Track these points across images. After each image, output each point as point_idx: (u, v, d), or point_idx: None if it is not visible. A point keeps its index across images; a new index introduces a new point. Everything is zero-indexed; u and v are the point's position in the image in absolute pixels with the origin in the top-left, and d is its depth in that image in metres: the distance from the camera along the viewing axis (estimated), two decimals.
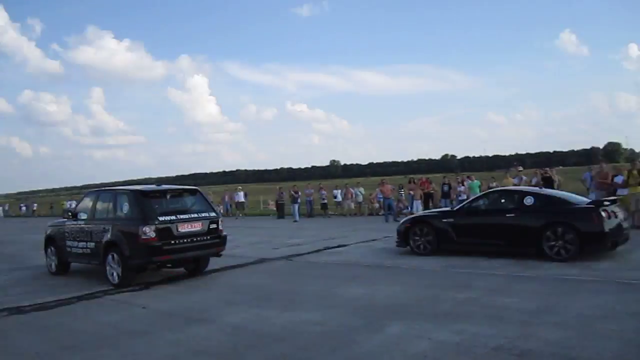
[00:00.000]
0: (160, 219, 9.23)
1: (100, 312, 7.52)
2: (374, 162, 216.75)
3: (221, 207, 33.42)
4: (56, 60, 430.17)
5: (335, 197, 27.52)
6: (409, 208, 23.57)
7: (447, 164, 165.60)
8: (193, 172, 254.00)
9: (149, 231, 9.02)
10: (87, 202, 10.85)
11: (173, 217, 9.39)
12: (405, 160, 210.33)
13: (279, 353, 5.26)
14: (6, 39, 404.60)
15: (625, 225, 10.14)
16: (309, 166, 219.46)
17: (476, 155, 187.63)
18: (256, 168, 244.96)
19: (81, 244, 10.43)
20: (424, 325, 5.84)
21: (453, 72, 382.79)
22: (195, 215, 9.80)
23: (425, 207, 23.51)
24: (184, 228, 9.47)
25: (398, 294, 7.66)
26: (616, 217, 9.83)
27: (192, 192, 10.56)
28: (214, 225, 9.92)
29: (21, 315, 7.56)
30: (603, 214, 9.51)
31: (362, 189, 27.13)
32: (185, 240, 9.45)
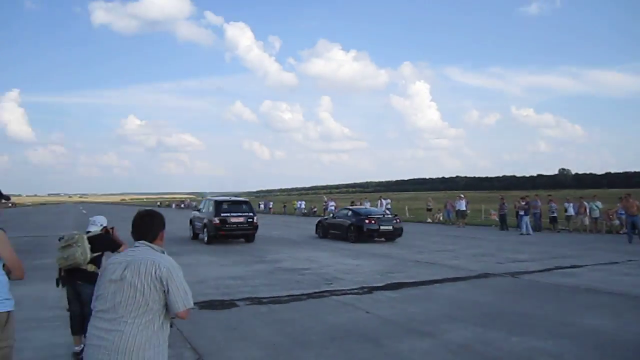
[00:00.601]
0: (222, 214, 18.45)
1: (327, 312, 7.91)
2: (612, 171, 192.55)
3: (442, 213, 33.01)
4: (291, 73, 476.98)
5: (567, 210, 25.06)
6: None
7: None
8: (412, 177, 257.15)
9: (216, 220, 18.22)
10: (203, 203, 21.37)
11: (227, 214, 18.58)
12: None
13: None
14: (251, 56, 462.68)
15: (386, 228, 19.15)
16: (535, 174, 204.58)
17: None
18: (476, 175, 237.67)
19: (198, 224, 20.27)
20: None
21: None
22: (241, 213, 19.00)
23: None
24: (233, 220, 18.58)
25: None
26: (375, 223, 18.90)
27: (245, 202, 20.60)
28: (250, 220, 19.00)
29: (260, 306, 8.37)
30: (366, 221, 18.94)
31: (599, 203, 24.23)
32: (233, 226, 18.60)
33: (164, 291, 2.80)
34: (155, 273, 2.78)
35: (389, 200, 38.48)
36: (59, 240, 5.79)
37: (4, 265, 3.61)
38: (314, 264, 13.15)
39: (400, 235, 19.60)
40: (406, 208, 43.83)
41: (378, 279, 10.86)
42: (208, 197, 21.65)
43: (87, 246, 5.42)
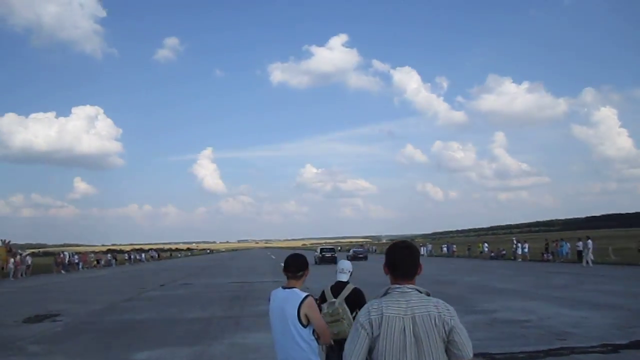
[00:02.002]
0: (322, 252, 47.54)
1: None
2: None
3: None
4: (460, 111, 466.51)
5: None
6: None
7: None
8: (605, 212, 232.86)
9: (321, 255, 47.21)
10: (317, 249, 51.85)
11: (325, 253, 47.42)
12: None
13: None
14: (419, 98, 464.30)
15: (360, 255, 55.58)
16: None
17: None
18: None
19: (316, 256, 47.26)
20: None
21: None
22: (330, 252, 47.68)
23: None
24: (326, 255, 46.46)
25: None
26: (357, 254, 55.47)
27: (331, 249, 51.24)
28: (333, 254, 46.62)
29: None
30: (352, 252, 59.73)
31: None
32: (327, 257, 45.64)
33: (447, 341, 2.48)
34: (444, 327, 2.47)
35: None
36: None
37: (313, 331, 3.70)
38: (533, 315, 12.17)
39: (365, 259, 51.75)
40: (610, 249, 39.15)
41: (617, 334, 9.63)
42: (320, 246, 54.48)
43: (350, 315, 5.27)
